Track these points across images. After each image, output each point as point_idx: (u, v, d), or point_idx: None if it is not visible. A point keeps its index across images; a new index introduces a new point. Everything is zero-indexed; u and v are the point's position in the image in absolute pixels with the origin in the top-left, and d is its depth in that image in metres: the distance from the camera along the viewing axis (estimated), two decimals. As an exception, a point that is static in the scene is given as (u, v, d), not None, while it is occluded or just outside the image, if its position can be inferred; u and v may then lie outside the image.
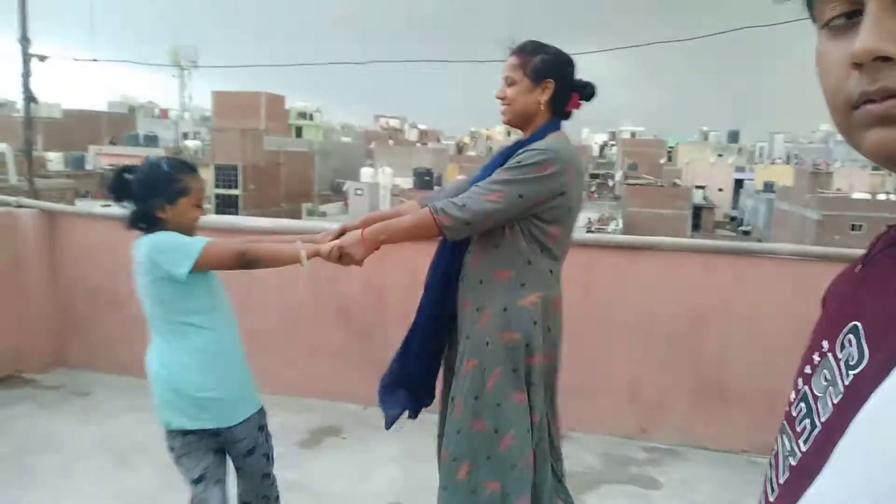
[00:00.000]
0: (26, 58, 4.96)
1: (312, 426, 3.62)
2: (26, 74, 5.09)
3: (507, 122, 2.04)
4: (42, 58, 4.98)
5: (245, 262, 1.94)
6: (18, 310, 4.17)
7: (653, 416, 3.61)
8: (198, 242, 1.92)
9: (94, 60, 6.03)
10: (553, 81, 1.96)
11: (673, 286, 3.57)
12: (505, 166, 1.92)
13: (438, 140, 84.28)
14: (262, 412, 2.18)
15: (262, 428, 2.19)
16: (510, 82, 1.99)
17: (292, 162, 43.89)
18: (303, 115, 65.38)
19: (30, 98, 5.55)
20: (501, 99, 2.01)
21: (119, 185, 1.98)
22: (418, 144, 70.51)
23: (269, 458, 2.22)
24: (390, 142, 68.80)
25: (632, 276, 3.59)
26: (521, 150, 1.92)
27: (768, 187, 50.45)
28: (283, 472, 3.12)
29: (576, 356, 3.71)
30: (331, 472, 3.13)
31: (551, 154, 1.87)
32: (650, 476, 3.24)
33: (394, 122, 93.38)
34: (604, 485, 3.13)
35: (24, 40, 4.92)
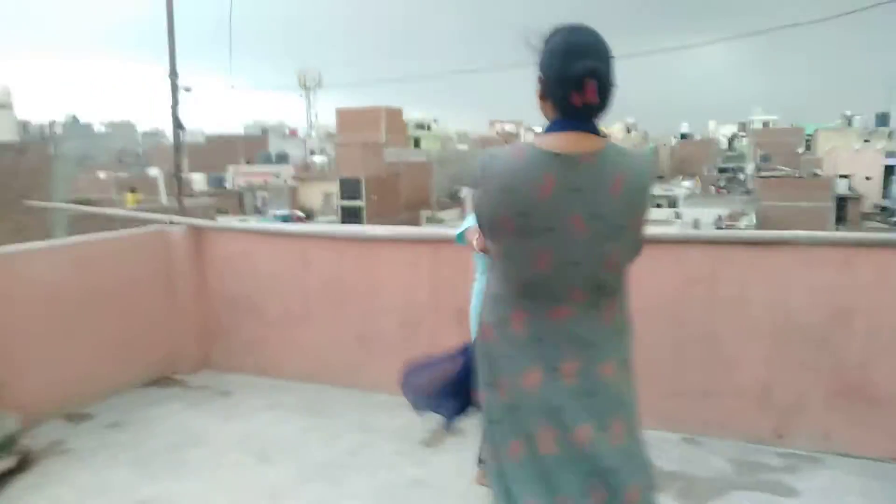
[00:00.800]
0: (175, 90, 5.49)
1: (434, 425, 3.71)
2: (175, 105, 5.63)
3: None
4: (187, 89, 5.51)
5: None
6: (171, 317, 4.61)
7: (789, 420, 3.39)
8: None
9: (232, 87, 6.55)
10: (542, 75, 1.62)
11: (809, 282, 3.35)
12: None
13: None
14: None
15: None
16: None
17: (411, 172, 45.02)
18: (420, 126, 66.94)
19: (178, 125, 6.12)
20: None
21: None
22: (535, 148, 69.68)
23: None
24: (506, 147, 68.59)
25: (764, 272, 3.41)
26: None
27: (925, 173, 45.55)
28: (407, 469, 3.25)
29: (704, 356, 3.58)
30: (453, 471, 3.20)
31: (477, 163, 1.66)
32: (786, 484, 3.05)
33: (509, 127, 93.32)
34: (734, 491, 2.99)
35: (174, 74, 5.46)
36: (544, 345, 1.62)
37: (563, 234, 1.57)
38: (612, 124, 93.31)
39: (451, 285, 3.95)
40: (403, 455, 3.40)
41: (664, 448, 3.36)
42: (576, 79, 1.53)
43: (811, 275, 3.36)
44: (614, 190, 1.55)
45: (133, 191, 20.69)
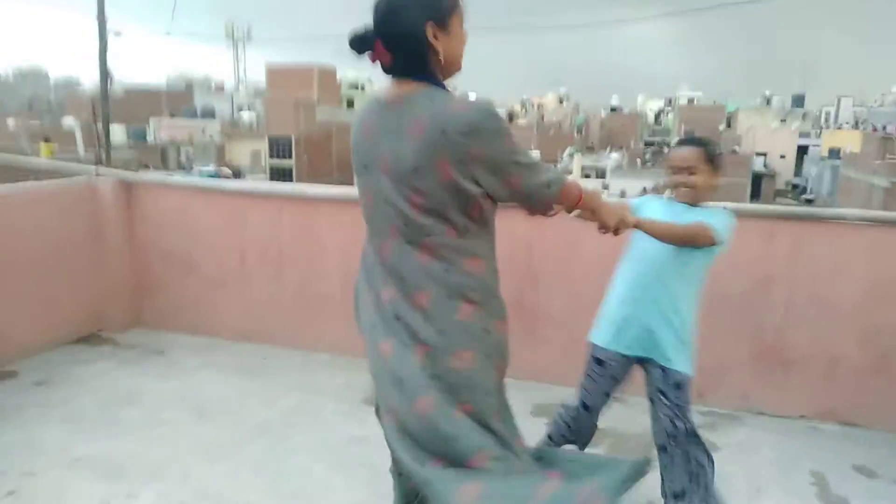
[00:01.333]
0: (103, 34, 5.17)
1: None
2: (103, 50, 5.32)
3: None
4: (118, 33, 5.21)
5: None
6: (99, 273, 4.44)
7: (710, 382, 3.61)
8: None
9: (168, 34, 6.21)
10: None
11: (733, 252, 3.53)
12: None
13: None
14: None
15: None
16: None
17: (344, 132, 44.26)
18: (354, 86, 65.64)
19: (106, 73, 5.79)
20: None
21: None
22: (469, 114, 69.70)
23: None
24: (441, 111, 68.30)
25: (691, 241, 3.57)
26: None
27: (834, 154, 48.31)
28: (349, 426, 3.30)
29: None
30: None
31: None
32: (708, 439, 3.25)
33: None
34: (661, 446, 3.17)
35: (102, 16, 5.15)
36: (374, 275, 1.85)
37: (377, 172, 1.74)
38: (546, 94, 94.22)
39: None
40: (344, 414, 3.44)
41: (596, 406, 3.52)
42: (360, 42, 1.70)
43: (736, 245, 3.53)
44: (412, 131, 1.65)
45: (47, 140, 19.52)
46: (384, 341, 1.78)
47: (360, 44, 1.70)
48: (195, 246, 4.47)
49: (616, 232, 2.11)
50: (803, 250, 3.43)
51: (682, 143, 2.46)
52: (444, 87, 1.74)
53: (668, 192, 2.47)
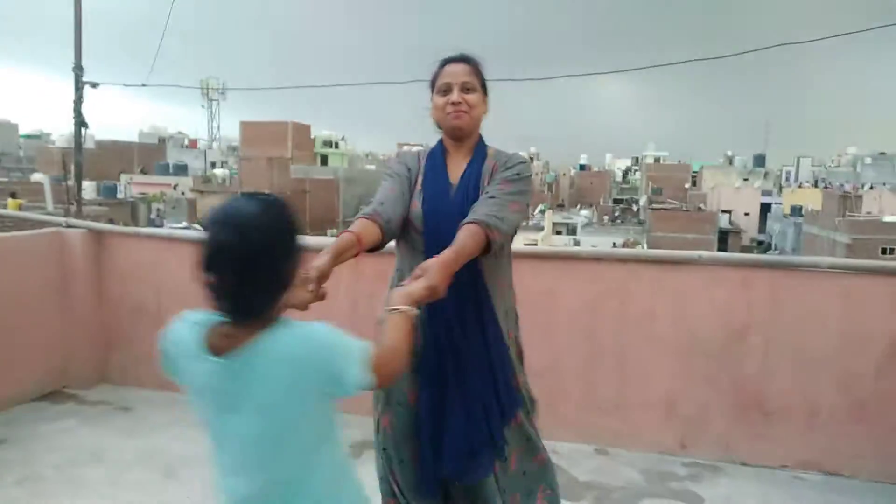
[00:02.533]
0: (79, 85, 5.18)
1: (355, 440, 3.65)
2: (78, 101, 5.31)
3: (461, 129, 2.03)
4: (94, 84, 5.19)
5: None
6: (65, 327, 4.29)
7: (692, 432, 3.58)
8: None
9: (143, 85, 6.23)
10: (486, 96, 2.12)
11: (711, 300, 3.57)
12: (507, 178, 1.98)
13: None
14: None
15: None
16: (469, 88, 2.02)
17: (318, 189, 44.39)
18: (328, 143, 66.28)
19: (81, 124, 5.77)
20: (459, 104, 2.00)
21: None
22: (441, 171, 70.73)
23: None
24: (414, 169, 69.19)
25: (669, 290, 3.60)
26: (509, 161, 2.05)
27: (796, 211, 49.78)
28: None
29: (613, 371, 3.73)
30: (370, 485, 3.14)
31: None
32: (692, 492, 3.21)
33: (416, 150, 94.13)
34: (645, 499, 3.11)
35: (78, 69, 5.16)
36: None
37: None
38: (517, 153, 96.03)
39: (370, 297, 3.91)
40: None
41: (578, 459, 3.45)
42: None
43: (712, 293, 3.59)
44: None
45: (14, 196, 19.24)
46: None
47: None
48: (165, 299, 4.36)
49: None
50: (779, 298, 3.46)
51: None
52: (440, 142, 2.14)
53: None
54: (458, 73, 2.01)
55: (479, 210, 1.88)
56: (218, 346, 1.32)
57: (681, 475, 3.38)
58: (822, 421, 3.41)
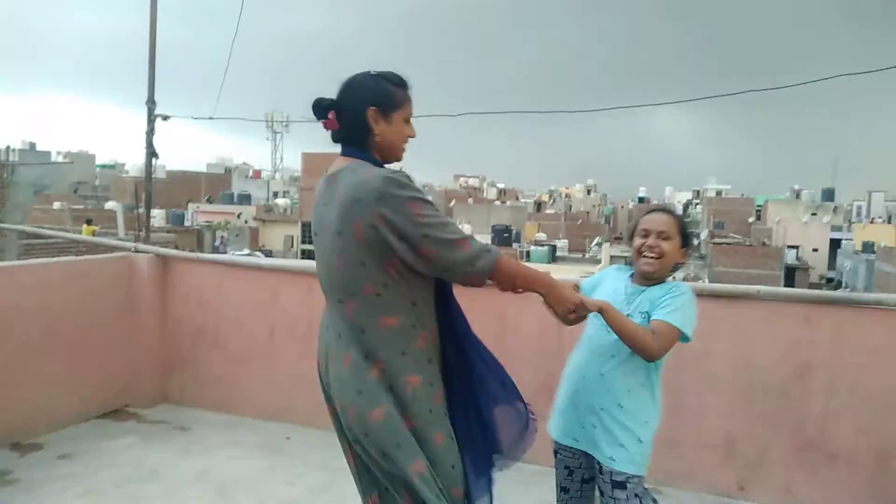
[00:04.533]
0: (151, 118, 5.51)
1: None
2: (150, 133, 5.64)
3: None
4: (165, 117, 5.52)
5: None
6: (130, 347, 4.47)
7: (751, 474, 3.44)
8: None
9: (211, 118, 6.56)
10: None
11: (771, 337, 3.45)
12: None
13: (517, 198, 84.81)
14: None
15: None
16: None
17: (375, 219, 45.21)
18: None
19: (152, 154, 6.09)
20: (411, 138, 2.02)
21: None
22: (497, 202, 71.16)
23: None
24: (470, 200, 69.75)
25: (727, 325, 3.50)
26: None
27: (868, 247, 47.64)
28: None
29: (667, 407, 3.62)
30: None
31: None
32: (750, 536, 3.07)
33: (473, 182, 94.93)
34: (700, 542, 3.00)
35: (151, 103, 5.51)
36: (321, 334, 2.05)
37: (321, 240, 1.95)
38: (573, 184, 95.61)
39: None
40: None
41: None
42: (320, 109, 1.94)
43: (772, 330, 3.47)
44: (337, 200, 1.85)
45: (89, 223, 20.26)
46: (333, 403, 2.02)
47: (319, 110, 1.94)
48: (225, 322, 4.51)
49: (571, 321, 2.03)
50: (843, 336, 3.33)
51: (654, 209, 2.33)
52: (377, 163, 1.93)
53: (633, 260, 2.30)
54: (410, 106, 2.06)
55: None
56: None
57: (738, 519, 3.24)
58: (893, 466, 3.23)
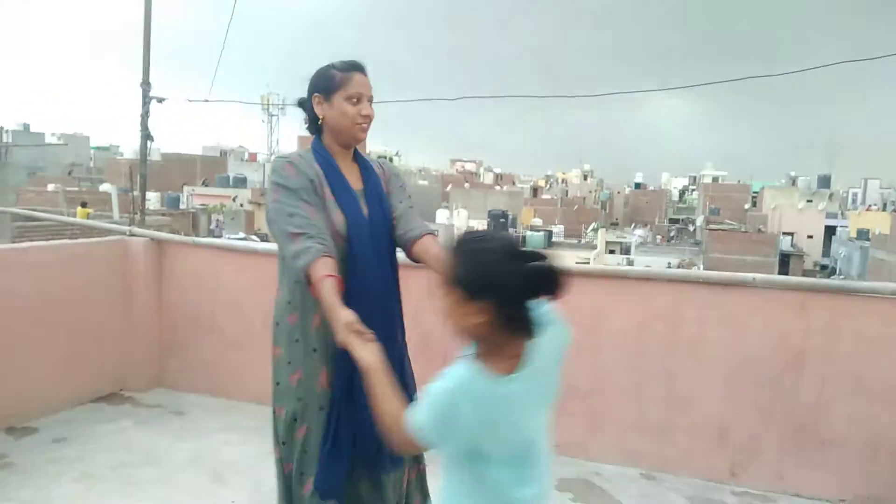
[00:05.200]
0: (146, 100, 5.47)
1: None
2: (145, 115, 5.60)
3: (361, 140, 2.16)
4: (160, 99, 5.48)
5: None
6: (125, 331, 4.46)
7: (744, 460, 3.47)
8: None
9: (206, 101, 6.51)
10: None
11: (766, 325, 3.46)
12: (402, 187, 2.28)
13: (514, 183, 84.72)
14: None
15: None
16: (371, 100, 2.09)
17: (371, 203, 45.08)
18: (381, 157, 67.19)
19: (147, 137, 6.05)
20: (369, 118, 2.07)
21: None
22: (495, 188, 71.06)
23: None
24: (466, 185, 69.64)
25: (721, 312, 3.51)
26: (393, 170, 2.33)
27: (863, 235, 47.76)
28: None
29: (662, 393, 3.65)
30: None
31: None
32: (742, 521, 3.10)
33: (469, 166, 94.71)
34: (692, 527, 3.02)
35: (146, 84, 5.47)
36: None
37: None
38: (570, 170, 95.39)
39: (414, 312, 3.95)
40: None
41: (623, 483, 3.39)
42: (301, 102, 2.15)
43: (767, 317, 3.48)
44: None
45: (84, 205, 20.11)
46: None
47: (300, 103, 2.13)
48: (220, 306, 4.49)
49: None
50: (838, 325, 3.34)
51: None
52: (321, 147, 2.09)
53: None
54: (366, 84, 2.07)
55: (419, 221, 2.20)
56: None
57: (730, 504, 3.27)
58: (884, 454, 3.26)
